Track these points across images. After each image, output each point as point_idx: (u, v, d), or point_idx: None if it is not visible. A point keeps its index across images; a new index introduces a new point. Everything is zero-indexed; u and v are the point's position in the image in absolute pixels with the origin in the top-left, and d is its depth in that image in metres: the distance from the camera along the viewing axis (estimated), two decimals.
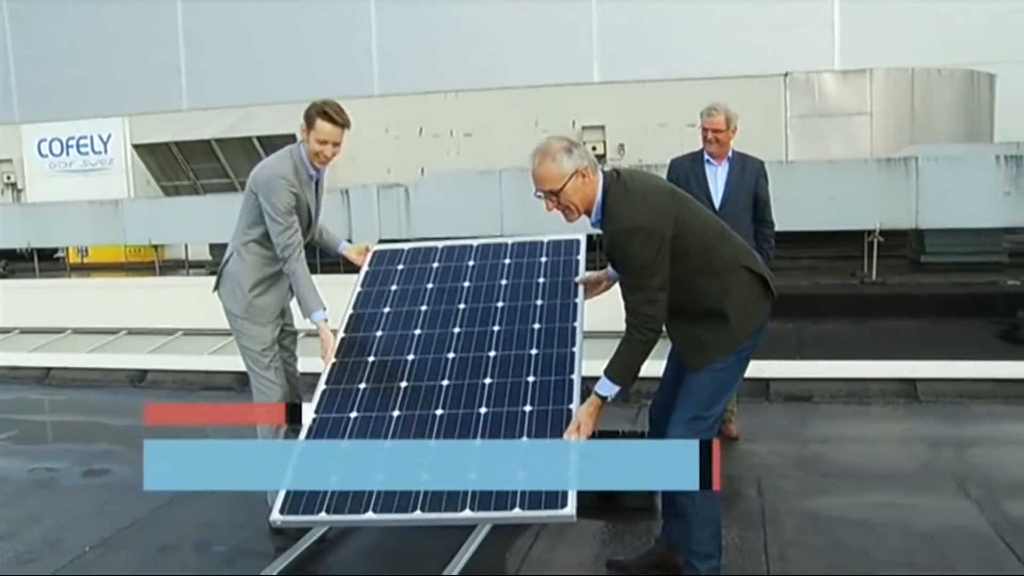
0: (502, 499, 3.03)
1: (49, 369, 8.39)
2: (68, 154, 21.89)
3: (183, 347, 10.15)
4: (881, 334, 10.91)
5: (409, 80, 18.72)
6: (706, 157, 5.34)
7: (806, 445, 5.35)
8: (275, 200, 4.10)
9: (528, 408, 3.41)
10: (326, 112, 4.08)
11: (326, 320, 4.05)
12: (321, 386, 3.76)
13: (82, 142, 21.78)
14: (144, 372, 8.02)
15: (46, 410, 7.53)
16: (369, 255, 4.46)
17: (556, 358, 3.63)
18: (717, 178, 5.32)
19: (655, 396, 3.64)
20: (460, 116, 18.44)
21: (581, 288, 3.97)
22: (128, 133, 20.90)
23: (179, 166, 19.71)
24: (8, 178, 22.48)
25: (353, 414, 3.56)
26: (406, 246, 4.53)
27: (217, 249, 18.31)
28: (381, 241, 16.04)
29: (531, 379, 3.56)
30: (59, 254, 20.78)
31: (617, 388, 3.27)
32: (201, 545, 4.32)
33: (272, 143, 18.35)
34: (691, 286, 3.29)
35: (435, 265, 4.34)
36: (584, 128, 17.98)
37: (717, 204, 5.30)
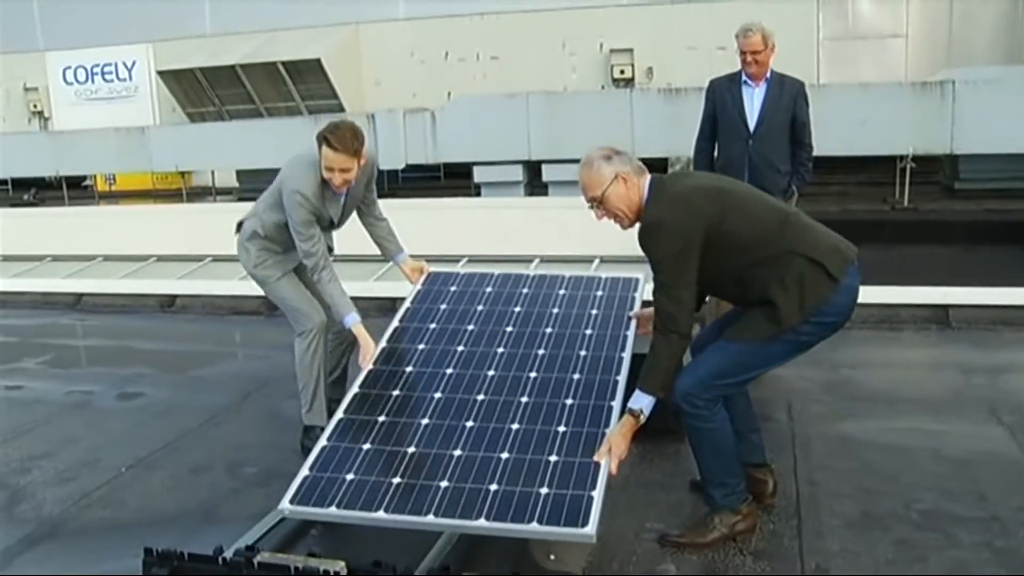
0: (520, 512, 2.98)
1: (81, 295, 8.49)
2: (93, 82, 21.84)
3: (212, 273, 10.20)
4: (913, 261, 10.80)
5: (435, 3, 18.39)
6: (744, 78, 5.24)
7: (836, 370, 5.32)
8: (293, 214, 4.08)
9: (562, 428, 3.38)
10: (327, 138, 3.93)
11: (359, 323, 4.05)
12: (354, 389, 3.76)
13: (107, 69, 21.71)
14: (174, 297, 8.09)
15: (79, 335, 7.62)
16: (424, 275, 4.51)
17: (598, 384, 3.61)
18: (753, 99, 5.23)
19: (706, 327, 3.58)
20: (486, 39, 18.17)
21: (634, 322, 3.97)
22: (152, 60, 20.79)
23: (204, 92, 19.60)
24: (35, 106, 22.51)
25: (382, 418, 3.54)
26: (462, 270, 4.59)
27: (244, 175, 18.33)
28: (408, 166, 16.05)
29: (569, 401, 3.53)
30: (87, 182, 20.89)
31: (649, 399, 3.23)
32: (233, 466, 4.38)
33: (296, 68, 18.28)
34: (743, 278, 3.25)
35: (488, 290, 4.38)
36: (612, 51, 17.68)
37: (751, 126, 5.22)
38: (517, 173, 15.01)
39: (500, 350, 3.91)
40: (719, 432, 3.30)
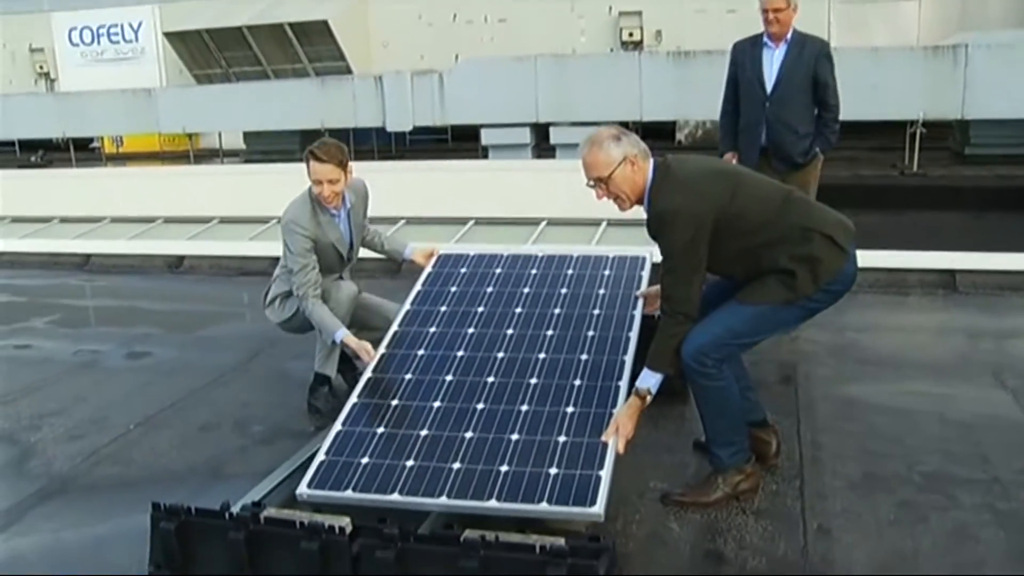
0: (530, 493, 3.02)
1: (89, 256, 8.51)
2: (99, 43, 21.75)
3: (220, 234, 10.22)
4: (921, 226, 10.77)
5: None
6: (764, 39, 5.20)
7: (842, 334, 5.31)
8: (289, 243, 4.24)
9: (570, 409, 3.41)
10: (313, 152, 4.16)
11: (348, 335, 4.13)
12: (367, 374, 3.80)
13: (113, 31, 21.61)
14: (181, 258, 8.10)
15: (87, 295, 7.65)
16: (434, 258, 4.55)
17: (606, 364, 3.64)
18: (773, 61, 5.19)
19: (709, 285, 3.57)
20: (494, 2, 18.04)
21: (641, 301, 3.98)
22: (159, 21, 20.70)
23: (211, 54, 19.54)
24: (41, 67, 22.45)
25: (395, 402, 3.58)
26: (471, 251, 4.62)
27: (251, 137, 18.29)
28: (415, 128, 16.01)
29: (577, 383, 3.56)
30: (94, 144, 20.88)
31: (656, 378, 3.26)
32: (240, 424, 4.42)
33: (304, 30, 18.17)
34: (753, 256, 3.27)
35: (498, 271, 4.42)
36: (621, 14, 17.56)
37: (769, 88, 5.18)
38: (525, 136, 14.98)
39: (510, 332, 3.95)
40: (726, 390, 3.32)
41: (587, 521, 3.03)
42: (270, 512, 2.95)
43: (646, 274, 4.22)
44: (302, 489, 3.18)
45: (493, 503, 3.02)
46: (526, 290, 4.24)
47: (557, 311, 4.05)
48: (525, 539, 2.69)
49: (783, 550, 3.12)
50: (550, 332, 3.91)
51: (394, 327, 4.07)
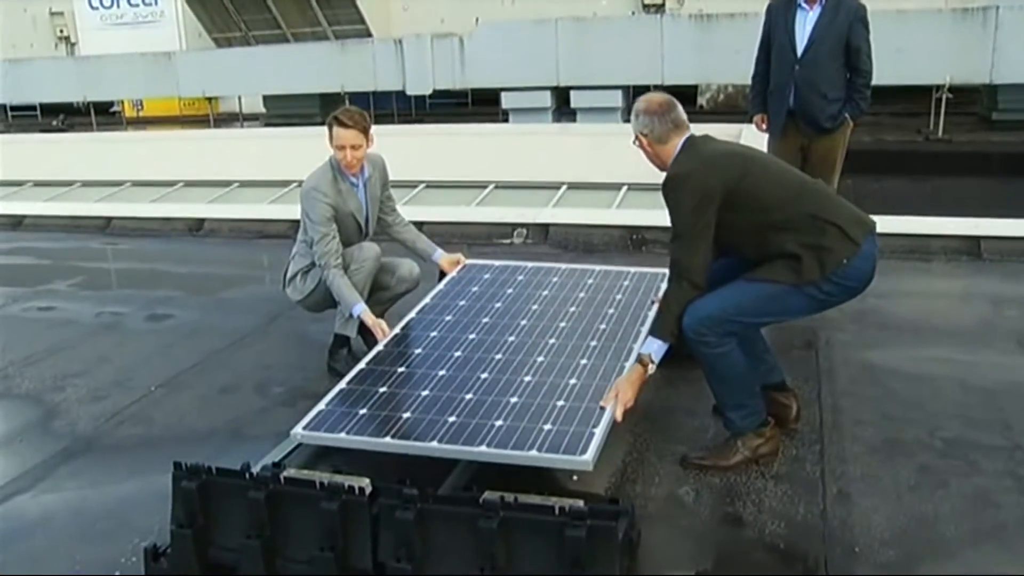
0: (522, 441, 3.08)
1: (110, 219, 8.54)
2: (119, 6, 21.71)
3: (239, 197, 10.23)
4: (946, 192, 10.65)
5: None
6: (799, 1, 5.11)
7: (864, 299, 5.13)
8: (310, 211, 4.31)
9: (573, 381, 3.48)
10: (337, 118, 4.26)
11: (366, 311, 4.22)
12: (379, 347, 3.91)
13: None
14: (201, 221, 8.13)
15: (109, 258, 7.69)
16: (460, 266, 4.72)
17: (614, 349, 3.74)
18: (805, 23, 5.10)
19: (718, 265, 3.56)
20: None
21: (656, 305, 3.97)
22: None
23: (230, 17, 19.46)
24: (61, 31, 22.45)
25: (401, 369, 3.69)
26: (496, 263, 4.85)
27: (271, 101, 18.26)
28: (435, 91, 15.93)
29: (584, 361, 3.65)
30: (115, 108, 20.91)
31: (659, 345, 3.29)
32: (260, 386, 4.45)
33: None
34: (761, 238, 3.28)
35: (519, 277, 4.64)
36: None
37: (799, 51, 5.10)
38: (545, 99, 14.89)
39: (523, 322, 4.07)
40: (728, 356, 3.31)
41: (606, 483, 3.04)
42: (290, 472, 2.97)
43: (664, 286, 4.24)
44: (297, 430, 3.27)
45: (484, 448, 3.07)
46: (544, 293, 4.41)
47: (573, 309, 4.21)
48: (544, 501, 2.69)
49: (802, 514, 3.12)
50: (563, 324, 4.04)
51: (411, 314, 4.21)
